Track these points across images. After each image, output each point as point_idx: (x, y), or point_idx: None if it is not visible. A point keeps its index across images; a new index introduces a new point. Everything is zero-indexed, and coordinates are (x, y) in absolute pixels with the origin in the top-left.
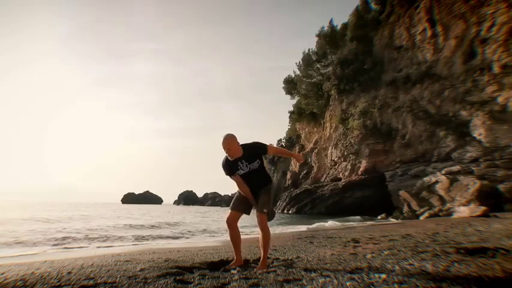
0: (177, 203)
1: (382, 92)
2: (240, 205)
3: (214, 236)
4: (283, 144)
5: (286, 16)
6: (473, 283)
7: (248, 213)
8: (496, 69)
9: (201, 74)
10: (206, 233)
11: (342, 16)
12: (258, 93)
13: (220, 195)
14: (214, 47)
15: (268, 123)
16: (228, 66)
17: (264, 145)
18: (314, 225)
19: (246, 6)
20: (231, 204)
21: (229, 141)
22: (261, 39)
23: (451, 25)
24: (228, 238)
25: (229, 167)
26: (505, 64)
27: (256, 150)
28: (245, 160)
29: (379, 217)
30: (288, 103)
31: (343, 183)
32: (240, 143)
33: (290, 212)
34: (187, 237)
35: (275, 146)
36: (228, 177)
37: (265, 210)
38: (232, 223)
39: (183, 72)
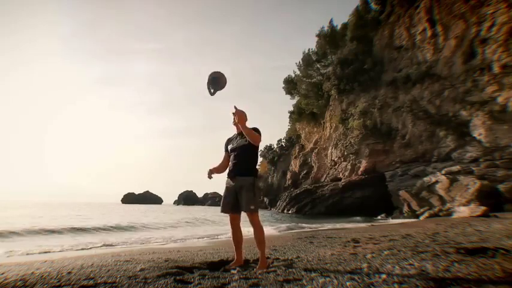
0: (177, 203)
1: (382, 92)
2: (228, 204)
3: None
4: (283, 144)
5: (289, 14)
6: (473, 283)
7: (237, 211)
8: (496, 69)
9: (203, 72)
10: None
11: (342, 16)
12: (260, 92)
13: (220, 195)
14: (216, 46)
15: (270, 123)
16: (230, 64)
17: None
18: None
19: (247, 4)
20: (221, 206)
21: (239, 112)
22: (263, 37)
23: (451, 25)
24: (228, 238)
25: (226, 141)
26: (505, 64)
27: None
28: (242, 136)
29: (378, 217)
30: (288, 103)
31: (343, 183)
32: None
33: (290, 212)
34: None
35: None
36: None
37: (252, 207)
38: (234, 223)
39: (186, 71)
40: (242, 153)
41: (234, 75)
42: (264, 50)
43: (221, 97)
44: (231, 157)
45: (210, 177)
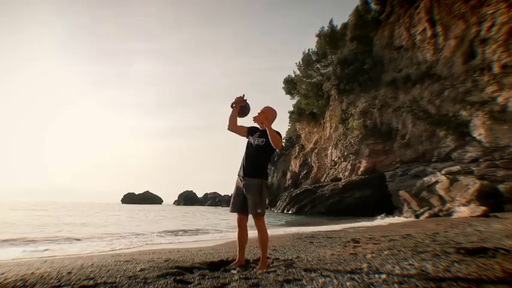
0: (177, 203)
1: (382, 92)
2: (238, 204)
3: None
4: (283, 144)
5: (285, 17)
6: (473, 283)
7: (245, 212)
8: (496, 69)
9: (200, 74)
10: None
11: (342, 16)
12: (256, 93)
13: (220, 195)
14: (213, 48)
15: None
16: (227, 66)
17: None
18: None
19: (244, 7)
20: (231, 205)
21: (268, 109)
22: (259, 40)
23: (451, 25)
24: (228, 239)
25: (252, 127)
26: (505, 64)
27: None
28: (261, 135)
29: (379, 217)
30: (288, 103)
31: (343, 183)
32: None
33: (290, 212)
34: None
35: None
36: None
37: (259, 211)
38: (241, 224)
39: (183, 72)
40: (255, 154)
41: (231, 77)
42: (259, 52)
43: (220, 98)
44: (244, 155)
45: (233, 105)
